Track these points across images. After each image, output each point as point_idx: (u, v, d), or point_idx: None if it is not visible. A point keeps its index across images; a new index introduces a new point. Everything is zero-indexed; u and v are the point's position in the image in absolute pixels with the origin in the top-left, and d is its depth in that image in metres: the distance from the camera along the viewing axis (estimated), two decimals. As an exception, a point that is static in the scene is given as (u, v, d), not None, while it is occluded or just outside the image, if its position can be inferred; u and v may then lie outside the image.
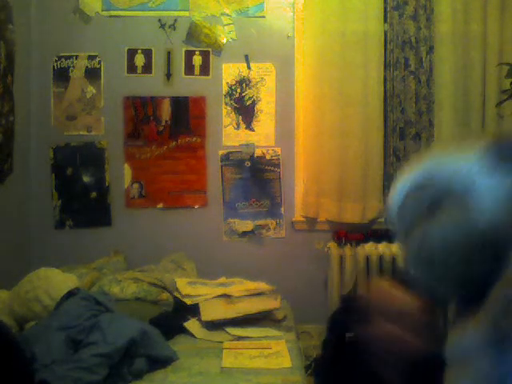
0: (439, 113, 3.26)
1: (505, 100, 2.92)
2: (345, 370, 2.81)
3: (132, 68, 3.36)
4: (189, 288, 2.63)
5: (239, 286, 2.66)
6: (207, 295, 2.56)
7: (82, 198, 3.36)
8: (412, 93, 3.30)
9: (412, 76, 3.30)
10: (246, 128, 3.37)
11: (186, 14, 3.33)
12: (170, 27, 3.33)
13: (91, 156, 3.37)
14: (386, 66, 3.31)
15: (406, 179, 0.77)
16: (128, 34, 3.34)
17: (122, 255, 3.24)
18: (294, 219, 3.38)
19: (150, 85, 3.36)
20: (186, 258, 3.16)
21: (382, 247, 3.23)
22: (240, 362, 2.09)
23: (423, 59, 3.29)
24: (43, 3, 3.33)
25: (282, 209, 3.38)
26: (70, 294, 2.17)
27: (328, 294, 3.28)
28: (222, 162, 3.38)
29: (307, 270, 3.34)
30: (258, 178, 3.38)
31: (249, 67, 3.36)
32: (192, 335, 2.35)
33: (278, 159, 3.37)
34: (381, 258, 3.21)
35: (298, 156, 3.38)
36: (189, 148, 3.37)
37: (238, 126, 3.37)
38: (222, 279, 2.80)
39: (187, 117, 3.37)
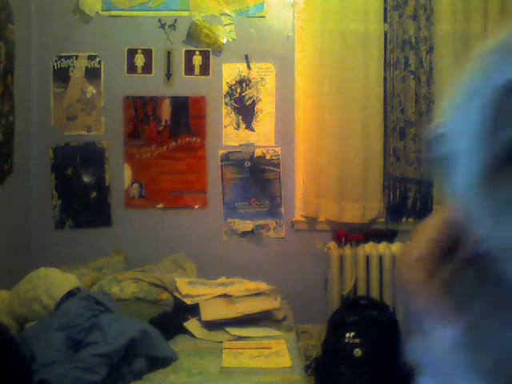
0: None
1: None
2: (344, 369, 2.82)
3: (132, 68, 3.36)
4: (189, 288, 2.63)
5: (239, 286, 2.66)
6: (207, 295, 2.56)
7: (82, 198, 3.36)
8: (412, 93, 3.29)
9: (412, 76, 3.29)
10: (245, 128, 3.37)
11: (186, 13, 3.33)
12: (170, 27, 3.33)
13: (91, 156, 3.37)
14: (385, 66, 3.31)
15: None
16: (128, 34, 3.34)
17: (122, 255, 3.24)
18: (293, 219, 3.38)
19: (150, 85, 3.36)
20: (185, 258, 3.16)
21: (382, 247, 3.23)
22: (240, 361, 2.09)
23: (423, 59, 3.29)
24: (43, 3, 3.33)
25: (282, 209, 3.38)
26: (70, 293, 2.18)
27: (328, 293, 3.28)
28: (221, 161, 3.37)
29: (307, 270, 3.34)
30: (257, 178, 3.37)
31: (249, 67, 3.36)
32: (192, 335, 2.35)
33: (278, 159, 3.37)
34: (381, 257, 3.21)
35: (298, 156, 3.38)
36: (189, 148, 3.37)
37: (237, 126, 3.37)
38: (222, 279, 2.80)
39: (187, 117, 3.37)
